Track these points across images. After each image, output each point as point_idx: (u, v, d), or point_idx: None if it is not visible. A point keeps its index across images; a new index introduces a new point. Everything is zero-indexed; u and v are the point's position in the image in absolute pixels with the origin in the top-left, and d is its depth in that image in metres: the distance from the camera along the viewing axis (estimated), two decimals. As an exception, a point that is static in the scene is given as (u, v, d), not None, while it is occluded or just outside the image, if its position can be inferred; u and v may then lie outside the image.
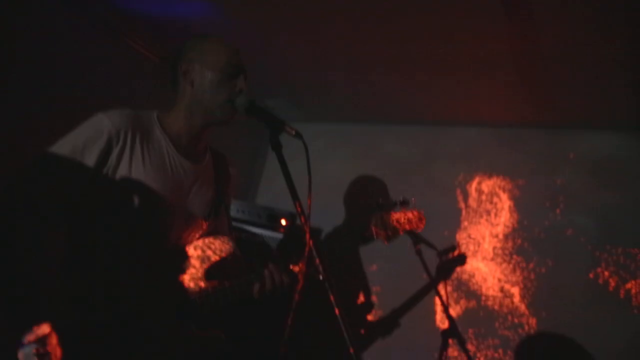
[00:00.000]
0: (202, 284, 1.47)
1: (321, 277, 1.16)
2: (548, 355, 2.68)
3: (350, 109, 3.38)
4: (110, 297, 1.33)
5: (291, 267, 1.50)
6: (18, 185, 1.29)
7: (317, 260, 1.19)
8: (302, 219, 1.21)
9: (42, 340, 1.19)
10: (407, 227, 1.90)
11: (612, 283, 2.68)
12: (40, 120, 2.06)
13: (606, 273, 2.71)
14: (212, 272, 1.49)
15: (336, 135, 3.57)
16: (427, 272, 2.70)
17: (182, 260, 1.49)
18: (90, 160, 1.31)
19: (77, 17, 2.44)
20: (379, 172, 3.09)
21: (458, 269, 2.84)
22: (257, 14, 2.34)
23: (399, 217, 1.87)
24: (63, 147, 1.31)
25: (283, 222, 2.89)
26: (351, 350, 1.09)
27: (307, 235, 1.19)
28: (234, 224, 2.71)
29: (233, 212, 2.75)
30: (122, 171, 1.36)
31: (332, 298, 1.15)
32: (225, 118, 1.50)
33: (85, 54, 2.46)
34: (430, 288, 2.76)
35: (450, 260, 2.80)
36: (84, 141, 1.32)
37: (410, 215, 1.90)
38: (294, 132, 1.31)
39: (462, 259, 2.81)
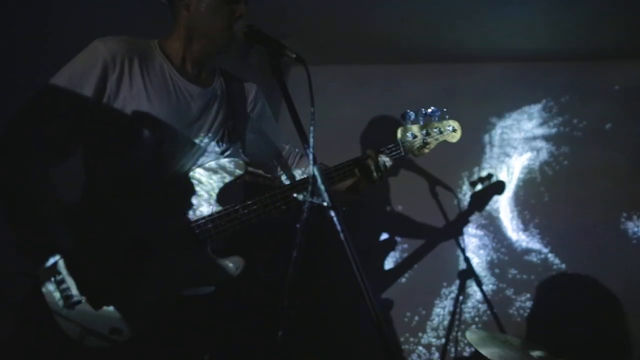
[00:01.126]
0: (214, 207, 1.45)
1: (325, 204, 1.11)
2: (572, 296, 2.62)
3: (365, 50, 3.22)
4: (119, 224, 1.35)
5: (295, 195, 1.45)
6: (20, 121, 1.29)
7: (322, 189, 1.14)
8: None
9: (55, 269, 1.22)
10: (440, 139, 1.68)
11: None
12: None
13: (636, 213, 2.58)
14: (224, 194, 1.47)
15: (352, 76, 3.44)
16: (443, 215, 2.66)
17: (194, 184, 1.47)
18: (89, 88, 1.29)
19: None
20: (397, 113, 2.99)
21: (483, 209, 2.76)
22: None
23: (430, 127, 1.65)
24: (60, 78, 1.30)
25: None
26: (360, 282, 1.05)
27: (311, 162, 1.13)
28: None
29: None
30: (123, 97, 1.33)
31: (337, 227, 1.10)
32: (223, 45, 1.45)
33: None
34: (450, 227, 2.72)
35: (486, 189, 2.69)
36: (80, 70, 1.30)
37: (441, 126, 1.66)
38: (294, 56, 1.24)
39: (500, 187, 2.68)
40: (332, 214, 1.12)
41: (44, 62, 1.47)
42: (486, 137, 2.94)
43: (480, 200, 2.70)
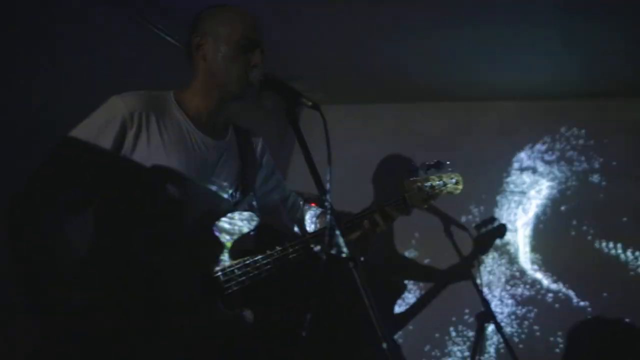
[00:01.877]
0: (228, 258, 1.45)
1: (344, 256, 1.10)
2: (595, 337, 2.54)
3: (377, 89, 3.26)
4: (134, 278, 1.33)
5: (311, 246, 1.44)
6: (41, 175, 1.30)
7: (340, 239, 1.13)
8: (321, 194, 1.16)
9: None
10: (443, 191, 1.76)
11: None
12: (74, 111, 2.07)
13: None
14: (237, 246, 1.47)
15: (364, 115, 3.48)
16: (458, 253, 2.63)
17: (209, 236, 1.46)
18: (106, 144, 1.31)
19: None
20: (410, 152, 3.00)
21: (498, 243, 2.75)
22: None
23: (434, 180, 1.73)
24: (79, 133, 1.32)
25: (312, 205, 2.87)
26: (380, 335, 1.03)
27: (329, 209, 1.13)
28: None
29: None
30: (141, 152, 1.34)
31: (356, 278, 1.09)
32: (240, 93, 1.47)
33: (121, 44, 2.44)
34: (466, 267, 2.67)
35: (489, 233, 2.71)
36: (98, 126, 1.32)
37: (445, 178, 1.75)
38: (310, 104, 1.26)
39: (501, 231, 2.71)
40: (351, 265, 1.10)
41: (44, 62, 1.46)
42: (502, 175, 2.91)
43: (484, 243, 2.72)
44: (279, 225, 1.86)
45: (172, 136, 1.39)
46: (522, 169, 2.88)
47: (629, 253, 2.56)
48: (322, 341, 1.82)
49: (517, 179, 2.88)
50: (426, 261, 2.97)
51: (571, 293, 2.62)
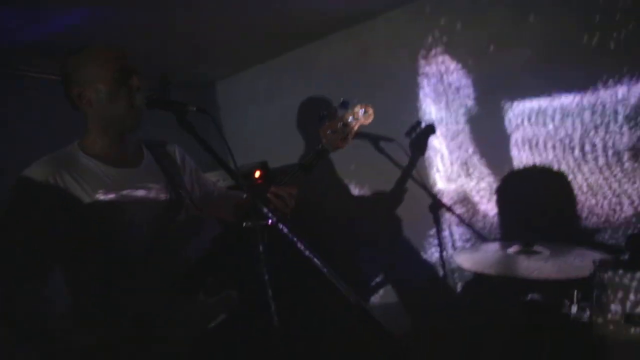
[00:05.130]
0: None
1: (270, 222, 1.28)
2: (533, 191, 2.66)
3: (277, 42, 3.28)
4: (121, 307, 1.48)
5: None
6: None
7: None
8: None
9: None
10: (356, 124, 1.89)
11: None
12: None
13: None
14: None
15: (275, 70, 3.56)
16: (395, 164, 2.84)
17: (165, 248, 1.61)
18: (41, 221, 1.40)
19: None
20: (324, 89, 3.12)
21: (424, 152, 2.92)
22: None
23: (345, 118, 1.88)
24: (12, 220, 1.40)
25: (257, 173, 3.02)
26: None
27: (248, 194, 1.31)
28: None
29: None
30: (72, 211, 1.43)
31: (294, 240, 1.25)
32: (135, 122, 1.57)
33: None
34: (408, 173, 2.90)
35: (420, 134, 2.87)
36: (25, 209, 1.40)
37: (354, 113, 1.89)
38: (194, 109, 1.38)
39: (431, 129, 2.86)
40: (281, 226, 1.30)
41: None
42: (415, 82, 2.95)
43: (419, 145, 2.90)
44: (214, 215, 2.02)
45: (92, 183, 1.49)
46: (435, 74, 2.87)
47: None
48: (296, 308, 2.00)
49: (433, 84, 2.88)
50: (370, 183, 3.17)
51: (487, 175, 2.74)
